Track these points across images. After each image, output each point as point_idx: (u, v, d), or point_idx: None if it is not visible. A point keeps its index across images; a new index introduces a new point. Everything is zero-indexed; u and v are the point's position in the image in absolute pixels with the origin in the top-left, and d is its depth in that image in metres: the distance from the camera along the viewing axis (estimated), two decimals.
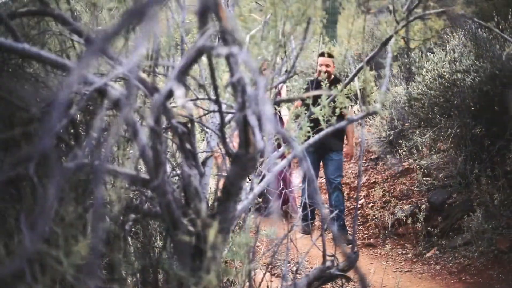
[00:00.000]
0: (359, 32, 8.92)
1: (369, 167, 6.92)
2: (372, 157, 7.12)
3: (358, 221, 6.05)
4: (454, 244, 4.90)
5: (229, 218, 1.19)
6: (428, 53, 5.45)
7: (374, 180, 6.63)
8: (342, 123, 1.42)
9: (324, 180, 5.71)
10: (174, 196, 1.10)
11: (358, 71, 1.75)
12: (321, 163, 5.50)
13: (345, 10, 13.61)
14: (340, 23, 13.37)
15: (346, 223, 5.51)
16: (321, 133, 1.45)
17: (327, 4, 12.87)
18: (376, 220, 5.76)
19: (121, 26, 0.46)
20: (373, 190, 6.39)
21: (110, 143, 0.52)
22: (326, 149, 5.25)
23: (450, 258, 4.76)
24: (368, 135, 6.99)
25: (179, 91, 0.84)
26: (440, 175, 5.68)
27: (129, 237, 1.74)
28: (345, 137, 5.49)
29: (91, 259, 0.46)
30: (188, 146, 1.16)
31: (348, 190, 6.85)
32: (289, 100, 1.57)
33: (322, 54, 5.22)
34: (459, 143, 5.46)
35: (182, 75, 0.83)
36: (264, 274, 1.92)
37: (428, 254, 4.99)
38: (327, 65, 5.11)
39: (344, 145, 5.53)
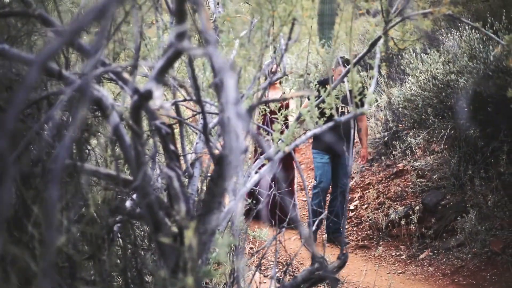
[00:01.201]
0: (355, 33, 8.94)
1: (363, 168, 6.92)
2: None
3: (352, 223, 6.05)
4: (448, 245, 4.91)
5: (214, 220, 1.19)
6: (422, 54, 5.46)
7: (368, 181, 6.64)
8: (329, 124, 1.41)
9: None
10: (157, 197, 1.09)
11: (347, 72, 1.74)
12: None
13: (342, 11, 13.64)
14: (337, 24, 13.37)
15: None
16: (308, 134, 1.44)
17: (325, 6, 12.86)
18: (370, 221, 5.76)
19: (83, 22, 0.45)
20: (367, 191, 6.39)
21: (69, 137, 0.52)
22: (338, 153, 5.16)
23: (444, 260, 4.77)
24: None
25: (157, 92, 0.83)
26: (434, 176, 5.68)
27: (119, 239, 1.73)
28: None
29: (45, 260, 0.46)
30: (172, 147, 1.15)
31: None
32: (275, 100, 1.56)
33: (344, 63, 4.65)
34: (453, 144, 5.47)
35: (161, 76, 0.83)
36: (253, 275, 1.91)
37: (422, 256, 4.99)
38: None
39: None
